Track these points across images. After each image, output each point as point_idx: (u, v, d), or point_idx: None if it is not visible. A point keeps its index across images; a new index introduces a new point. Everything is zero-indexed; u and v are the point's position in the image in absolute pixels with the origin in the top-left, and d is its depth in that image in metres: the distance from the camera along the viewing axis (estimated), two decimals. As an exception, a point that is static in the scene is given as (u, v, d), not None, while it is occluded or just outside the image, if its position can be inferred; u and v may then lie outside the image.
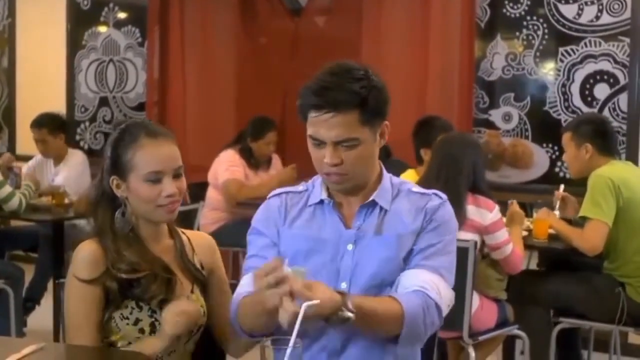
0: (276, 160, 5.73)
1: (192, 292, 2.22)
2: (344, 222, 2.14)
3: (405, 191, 2.17)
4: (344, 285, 2.06)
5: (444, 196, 2.19)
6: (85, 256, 2.13)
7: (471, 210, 3.65)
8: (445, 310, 2.07)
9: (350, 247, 2.10)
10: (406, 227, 2.11)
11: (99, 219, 2.19)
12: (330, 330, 2.02)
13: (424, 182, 3.81)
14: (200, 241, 2.33)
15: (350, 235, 2.11)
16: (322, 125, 2.04)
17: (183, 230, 2.31)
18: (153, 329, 2.12)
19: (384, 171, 2.21)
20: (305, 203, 2.19)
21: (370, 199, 2.14)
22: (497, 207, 3.69)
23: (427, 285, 2.03)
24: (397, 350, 2.03)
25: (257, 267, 1.92)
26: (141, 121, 2.27)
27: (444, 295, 2.06)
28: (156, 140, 2.16)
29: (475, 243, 3.55)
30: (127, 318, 2.12)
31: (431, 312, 2.02)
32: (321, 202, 2.17)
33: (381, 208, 2.13)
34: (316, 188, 2.20)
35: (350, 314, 1.86)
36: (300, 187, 2.24)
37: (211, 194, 5.44)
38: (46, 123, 5.54)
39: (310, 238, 2.12)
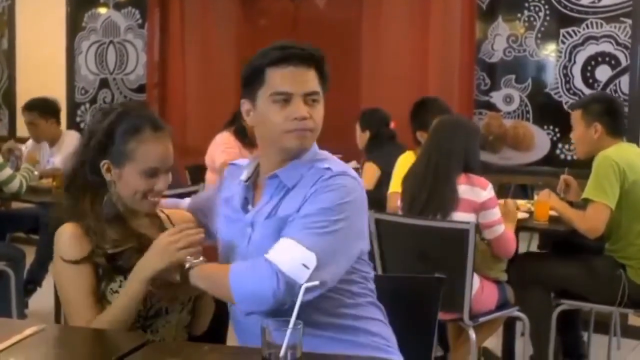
0: None
1: None
2: (252, 202, 2.16)
3: (315, 168, 2.08)
4: None
5: (341, 168, 2.08)
6: (68, 238, 2.13)
7: (465, 190, 3.66)
8: (295, 270, 1.90)
9: (249, 230, 2.11)
10: (293, 208, 2.03)
11: (78, 199, 2.19)
12: None
13: (416, 167, 3.83)
14: (179, 218, 2.33)
15: (248, 219, 2.12)
16: (289, 78, 2.06)
17: (161, 209, 2.32)
18: (145, 305, 2.12)
19: (313, 147, 2.14)
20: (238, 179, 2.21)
21: (274, 173, 2.11)
22: (490, 185, 3.70)
23: (272, 249, 1.95)
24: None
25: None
26: (143, 110, 2.24)
27: (290, 255, 1.92)
28: (160, 135, 2.17)
29: (476, 225, 3.55)
30: (117, 292, 2.12)
31: (264, 268, 1.92)
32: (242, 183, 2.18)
33: (284, 185, 2.09)
34: (249, 166, 2.20)
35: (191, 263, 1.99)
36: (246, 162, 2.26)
37: (210, 176, 5.42)
38: (37, 106, 5.54)
39: (229, 219, 2.18)
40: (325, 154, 2.17)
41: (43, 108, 5.55)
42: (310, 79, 2.08)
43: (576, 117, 4.05)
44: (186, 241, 2.04)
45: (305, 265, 1.91)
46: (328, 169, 2.05)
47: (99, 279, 2.13)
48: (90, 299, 2.10)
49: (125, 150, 2.14)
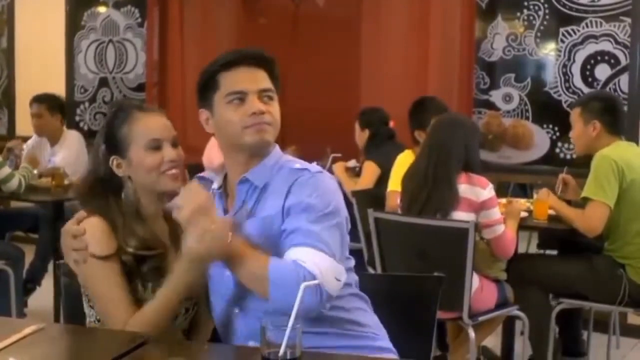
0: None
1: None
2: (224, 208, 2.16)
3: (286, 168, 2.12)
4: (227, 273, 2.05)
5: (317, 168, 2.13)
6: (95, 232, 2.09)
7: (465, 189, 3.66)
8: (330, 284, 1.97)
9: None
10: (274, 208, 2.06)
11: (102, 201, 2.16)
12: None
13: (416, 166, 3.83)
14: None
15: None
16: (242, 78, 2.11)
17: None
18: None
19: (277, 149, 2.19)
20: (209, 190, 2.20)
21: (243, 176, 2.12)
22: (490, 185, 3.69)
23: (303, 258, 1.96)
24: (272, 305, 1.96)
25: None
26: (129, 99, 2.30)
27: (324, 269, 1.96)
28: (148, 112, 2.21)
29: (475, 224, 3.55)
30: (141, 299, 2.09)
31: (306, 282, 1.89)
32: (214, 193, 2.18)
33: (256, 187, 2.11)
34: (219, 175, 2.22)
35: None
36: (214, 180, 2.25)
37: (207, 177, 5.43)
38: (46, 99, 5.63)
39: None
40: (288, 156, 2.21)
41: (52, 102, 5.64)
42: (262, 78, 2.14)
43: (575, 115, 4.06)
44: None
45: (337, 279, 2.00)
46: (305, 169, 2.10)
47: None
48: (127, 296, 2.06)
49: (122, 136, 2.16)
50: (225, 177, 2.21)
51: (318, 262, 1.96)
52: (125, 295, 2.06)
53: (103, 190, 2.18)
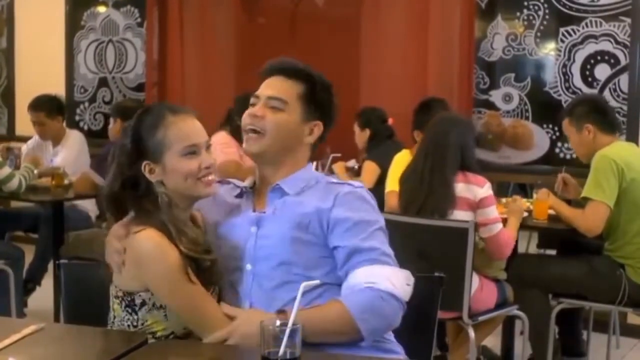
0: None
1: None
2: (253, 207, 2.20)
3: (323, 183, 2.19)
4: (248, 267, 2.12)
5: (357, 183, 2.22)
6: (157, 243, 2.02)
7: (462, 188, 3.66)
8: (405, 292, 2.06)
9: (253, 229, 2.15)
10: (306, 208, 2.11)
11: (140, 205, 2.10)
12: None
13: (413, 167, 3.84)
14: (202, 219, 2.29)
15: (252, 218, 2.16)
16: (265, 85, 2.22)
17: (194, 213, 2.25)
18: None
19: (310, 167, 2.26)
20: (237, 194, 2.27)
21: (276, 183, 2.18)
22: (488, 184, 3.69)
23: (371, 279, 2.02)
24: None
25: None
26: (159, 103, 2.27)
27: (395, 280, 2.05)
28: (181, 115, 2.15)
29: (475, 224, 3.55)
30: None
31: (387, 303, 2.01)
32: (243, 192, 2.24)
33: (287, 194, 2.16)
34: (250, 178, 2.29)
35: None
36: (241, 183, 2.31)
37: (208, 176, 5.42)
38: (43, 105, 5.56)
39: (229, 223, 2.20)
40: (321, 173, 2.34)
41: (49, 107, 5.58)
42: (279, 86, 2.23)
43: (566, 126, 4.06)
44: None
45: (408, 284, 2.08)
46: (346, 183, 2.19)
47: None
48: (206, 292, 2.05)
49: (156, 141, 2.09)
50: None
51: (388, 276, 2.03)
52: (208, 297, 2.05)
53: (135, 197, 2.11)
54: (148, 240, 2.03)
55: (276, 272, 2.09)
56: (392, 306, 2.01)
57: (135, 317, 2.08)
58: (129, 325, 2.08)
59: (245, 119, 2.20)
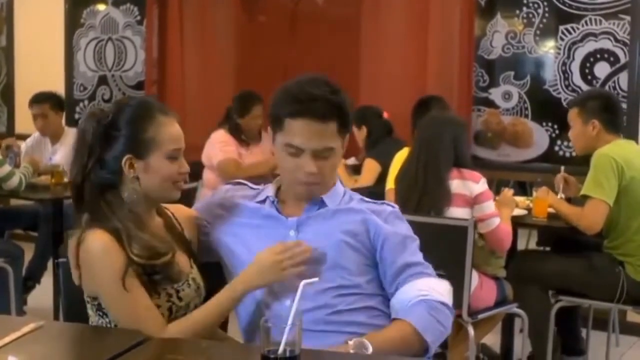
0: (265, 136, 5.64)
1: (191, 267, 2.17)
2: (279, 212, 2.21)
3: (357, 199, 2.25)
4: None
5: (395, 205, 2.30)
6: (104, 248, 2.00)
7: (457, 184, 3.67)
8: (450, 299, 2.16)
9: (292, 233, 2.16)
10: (356, 217, 2.16)
11: (96, 204, 2.08)
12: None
13: (407, 167, 3.84)
14: (183, 214, 2.28)
15: (290, 223, 2.17)
16: (301, 134, 2.10)
17: (165, 205, 2.25)
18: (170, 314, 2.07)
19: (339, 179, 2.29)
20: (253, 197, 2.28)
21: (319, 197, 2.20)
22: (483, 179, 3.70)
23: (423, 291, 2.11)
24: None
25: None
26: (145, 98, 2.25)
27: (442, 289, 2.15)
28: (171, 118, 2.14)
29: (475, 222, 3.55)
30: (168, 307, 2.07)
31: (442, 312, 2.11)
32: (265, 199, 2.24)
33: (326, 205, 2.20)
34: (266, 189, 2.28)
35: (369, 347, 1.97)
36: (255, 186, 2.34)
37: (207, 175, 5.42)
38: (48, 98, 5.60)
39: (254, 226, 2.20)
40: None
41: (54, 100, 5.63)
42: (322, 134, 2.12)
43: (573, 115, 4.05)
44: (292, 262, 2.04)
45: (449, 292, 2.18)
46: (383, 203, 2.29)
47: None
48: (150, 302, 2.02)
49: (147, 138, 2.07)
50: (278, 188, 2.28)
51: (435, 287, 2.13)
52: (150, 307, 2.02)
53: (96, 191, 2.09)
54: (95, 242, 2.01)
55: (325, 275, 2.09)
56: (445, 314, 2.11)
57: (107, 319, 2.08)
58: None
59: (299, 176, 2.14)
